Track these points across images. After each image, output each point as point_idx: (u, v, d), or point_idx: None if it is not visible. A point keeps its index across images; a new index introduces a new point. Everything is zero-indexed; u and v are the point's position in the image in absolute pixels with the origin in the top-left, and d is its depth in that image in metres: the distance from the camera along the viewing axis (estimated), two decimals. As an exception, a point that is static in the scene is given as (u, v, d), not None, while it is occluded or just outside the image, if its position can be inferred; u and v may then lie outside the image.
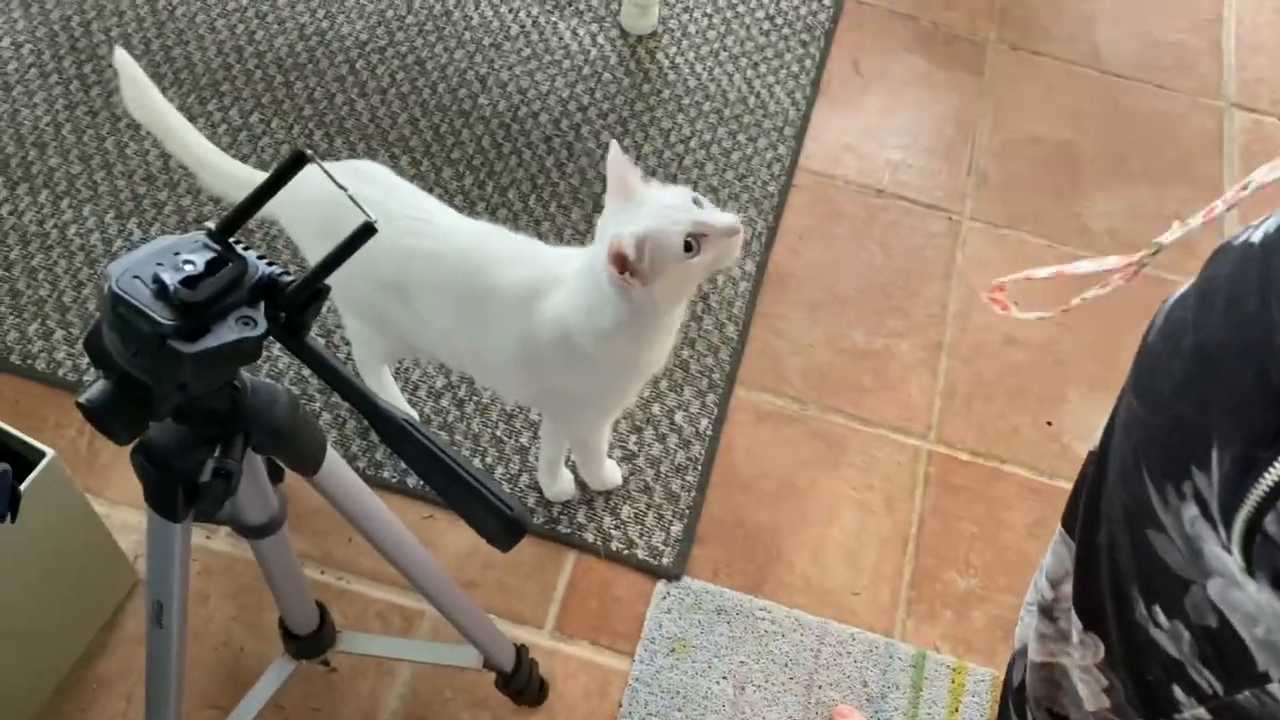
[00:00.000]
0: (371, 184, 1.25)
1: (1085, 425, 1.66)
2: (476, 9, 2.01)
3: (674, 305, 1.15)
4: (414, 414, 1.52)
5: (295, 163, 0.70)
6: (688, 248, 1.05)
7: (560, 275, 1.18)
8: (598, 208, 1.82)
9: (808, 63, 2.00)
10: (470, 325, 1.23)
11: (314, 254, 1.31)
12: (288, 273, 0.72)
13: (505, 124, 1.86)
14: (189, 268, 0.67)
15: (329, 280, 0.71)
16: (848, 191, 1.87)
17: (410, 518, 1.46)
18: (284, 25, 1.95)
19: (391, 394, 1.50)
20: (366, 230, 0.70)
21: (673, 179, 1.82)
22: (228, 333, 0.67)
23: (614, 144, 1.12)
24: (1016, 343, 1.73)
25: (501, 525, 0.80)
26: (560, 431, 1.43)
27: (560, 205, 1.78)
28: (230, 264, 0.68)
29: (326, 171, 0.72)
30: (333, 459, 0.91)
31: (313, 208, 1.23)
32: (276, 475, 1.04)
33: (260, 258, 0.72)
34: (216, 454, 0.79)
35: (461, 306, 1.23)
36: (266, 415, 0.80)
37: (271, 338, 0.71)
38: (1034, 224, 1.86)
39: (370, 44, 1.95)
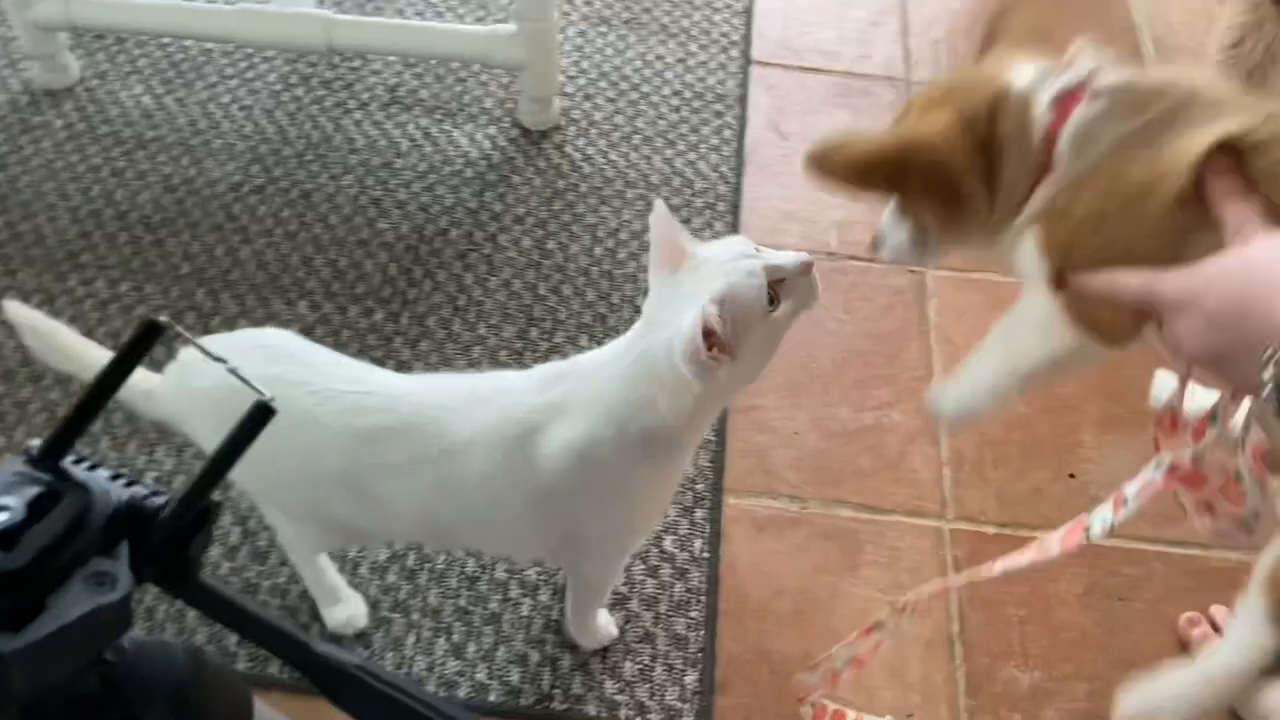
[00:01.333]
0: (285, 361, 1.03)
1: (1109, 471, 1.49)
2: (359, 129, 1.83)
3: (757, 375, 0.97)
4: (363, 608, 1.28)
5: (146, 336, 0.49)
6: (770, 301, 0.90)
7: (546, 400, 0.99)
8: (532, 321, 1.63)
9: (727, 133, 1.85)
10: (454, 494, 1.02)
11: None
12: (158, 492, 0.50)
13: (412, 246, 1.66)
14: (3, 516, 0.45)
15: (236, 475, 0.49)
16: (799, 260, 1.70)
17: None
18: (145, 179, 1.73)
19: (331, 582, 1.26)
20: (263, 413, 0.48)
21: (608, 276, 1.64)
22: (73, 605, 0.44)
23: (659, 202, 0.95)
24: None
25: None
26: (574, 577, 1.22)
27: (490, 325, 1.57)
28: (66, 498, 0.46)
29: (194, 341, 0.51)
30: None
31: (208, 399, 1.01)
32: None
33: (115, 477, 0.50)
34: (96, 756, 0.56)
35: (436, 476, 1.01)
36: (159, 688, 0.57)
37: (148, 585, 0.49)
38: (1001, 264, 1.72)
39: (246, 184, 1.74)
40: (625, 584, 1.34)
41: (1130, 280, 0.68)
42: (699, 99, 1.91)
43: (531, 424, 0.98)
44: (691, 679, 1.27)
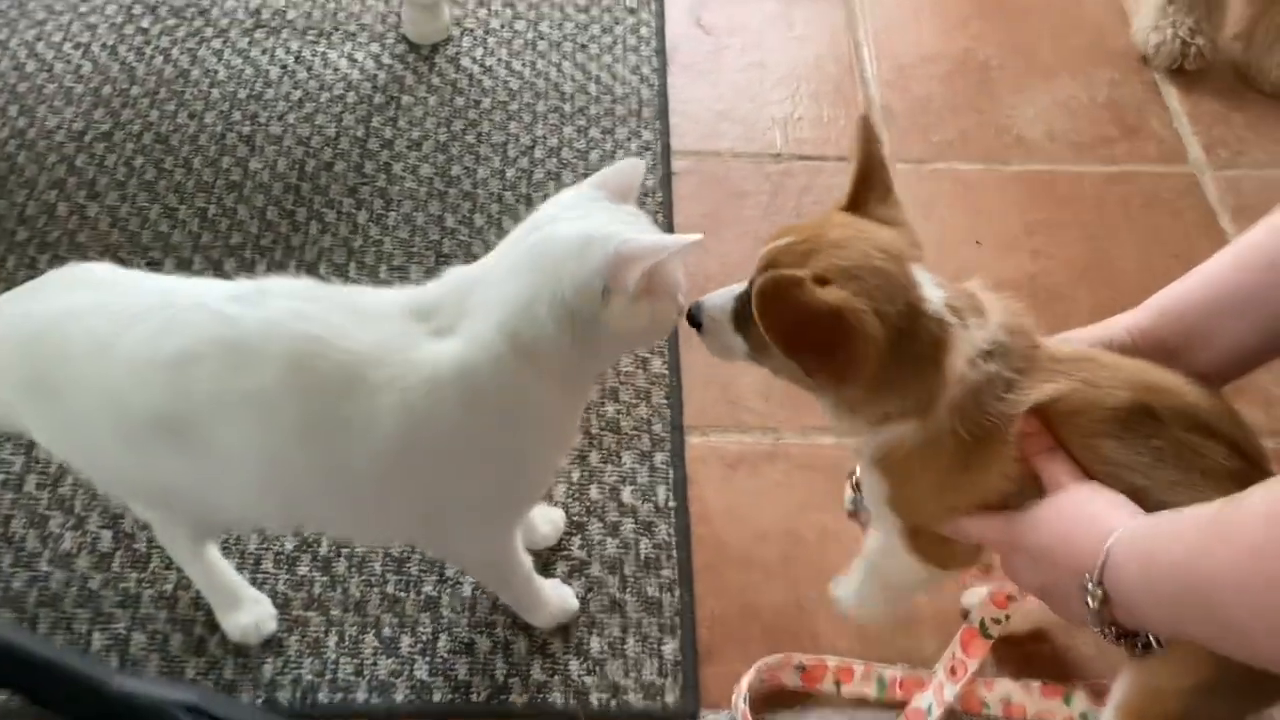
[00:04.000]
0: (87, 288, 0.84)
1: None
2: (220, 60, 1.57)
3: (613, 357, 0.98)
4: (270, 610, 1.06)
5: None
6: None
7: (430, 324, 0.83)
8: (441, 258, 1.40)
9: (644, 30, 1.64)
10: (320, 436, 0.81)
11: (32, 422, 0.86)
12: None
13: (292, 186, 1.43)
14: None
15: None
16: (740, 165, 1.51)
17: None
18: (-35, 134, 1.47)
19: (227, 582, 1.04)
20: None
21: (525, 199, 1.42)
22: None
23: (638, 161, 0.87)
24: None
25: None
26: (461, 565, 1.05)
27: (393, 267, 1.35)
28: None
29: None
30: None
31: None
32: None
33: None
34: None
35: (305, 411, 0.80)
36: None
37: None
38: (964, 149, 1.55)
39: (90, 132, 1.48)
40: (582, 547, 1.14)
41: (969, 526, 0.79)
42: (608, -3, 1.69)
43: (408, 345, 0.81)
44: (670, 648, 1.07)
